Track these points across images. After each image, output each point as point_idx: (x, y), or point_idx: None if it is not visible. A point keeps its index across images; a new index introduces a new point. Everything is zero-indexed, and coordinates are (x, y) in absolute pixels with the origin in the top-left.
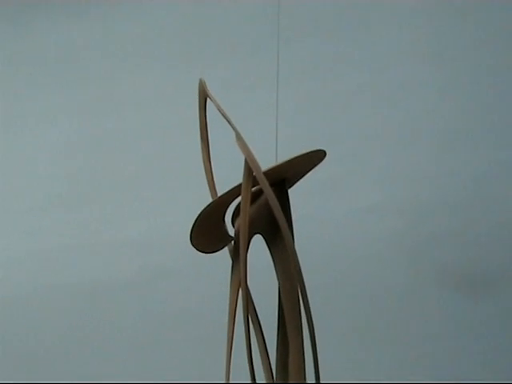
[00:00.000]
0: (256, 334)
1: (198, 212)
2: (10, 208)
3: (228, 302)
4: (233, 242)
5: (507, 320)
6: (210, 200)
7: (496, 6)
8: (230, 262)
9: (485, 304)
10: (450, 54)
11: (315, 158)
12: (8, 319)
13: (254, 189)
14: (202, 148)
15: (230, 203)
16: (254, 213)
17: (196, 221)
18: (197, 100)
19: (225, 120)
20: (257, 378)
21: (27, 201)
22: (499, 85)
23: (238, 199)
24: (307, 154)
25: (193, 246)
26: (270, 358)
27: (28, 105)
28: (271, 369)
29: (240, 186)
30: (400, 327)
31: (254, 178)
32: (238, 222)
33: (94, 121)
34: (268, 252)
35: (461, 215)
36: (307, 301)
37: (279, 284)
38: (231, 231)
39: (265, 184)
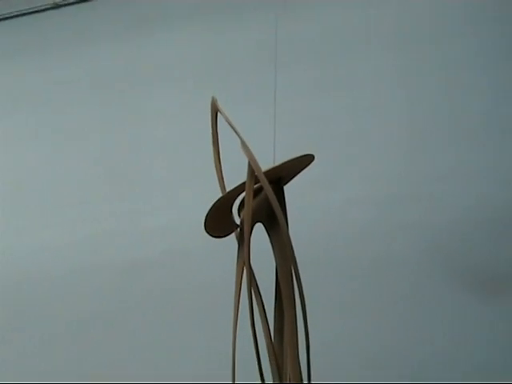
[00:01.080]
0: (257, 304)
1: (211, 205)
2: (66, 201)
3: (234, 277)
4: (238, 228)
5: None
6: (220, 195)
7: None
8: (237, 245)
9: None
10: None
11: (306, 160)
12: (66, 291)
13: (255, 186)
14: (214, 153)
15: (236, 198)
16: (255, 205)
17: (209, 212)
18: (209, 114)
19: (232, 130)
20: (258, 338)
21: (79, 196)
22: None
23: (243, 194)
24: (299, 157)
25: (206, 232)
26: (269, 323)
27: (81, 117)
28: (269, 332)
29: (244, 183)
30: (376, 295)
31: (256, 177)
32: (243, 212)
33: (131, 132)
34: (267, 237)
35: (423, 206)
36: (299, 277)
37: (276, 263)
38: (237, 220)
39: (265, 182)
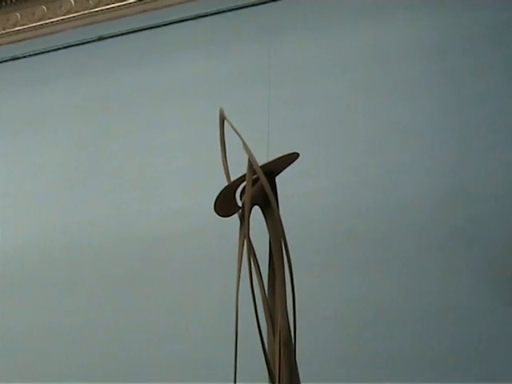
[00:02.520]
0: (255, 268)
1: (219, 191)
2: (104, 186)
3: (237, 247)
4: (240, 210)
5: None
6: (226, 184)
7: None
8: (239, 222)
9: None
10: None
11: (292, 157)
12: (106, 257)
13: (253, 177)
14: (221, 152)
15: (238, 186)
16: (253, 192)
17: (218, 197)
18: (218, 121)
19: (236, 134)
20: (255, 294)
21: (117, 181)
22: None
23: (244, 183)
24: (287, 155)
25: (216, 212)
26: (264, 282)
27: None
28: (264, 288)
29: (245, 175)
30: (353, 255)
31: (254, 170)
32: (244, 197)
33: (154, 137)
34: (262, 217)
35: (384, 192)
36: (287, 246)
37: (269, 236)
38: (239, 203)
39: (261, 174)
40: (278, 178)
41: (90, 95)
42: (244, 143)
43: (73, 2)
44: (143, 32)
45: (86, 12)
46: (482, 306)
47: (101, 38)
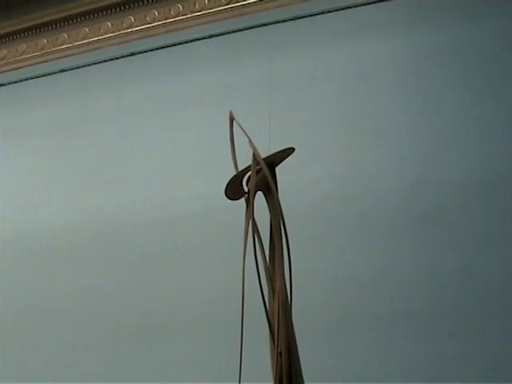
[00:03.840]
0: (258, 242)
1: (229, 179)
2: (132, 175)
3: (244, 226)
4: (246, 194)
5: None
6: (234, 173)
7: None
8: (245, 205)
9: None
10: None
11: (289, 151)
12: (123, 239)
13: (257, 167)
14: (231, 147)
15: (245, 175)
16: (257, 180)
17: (228, 183)
18: (228, 122)
19: (242, 132)
20: (259, 267)
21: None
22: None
23: (249, 173)
24: (285, 149)
25: (226, 196)
26: (266, 254)
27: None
28: (266, 259)
29: (250, 166)
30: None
31: (258, 162)
32: (249, 184)
33: (176, 135)
34: (265, 201)
35: (367, 180)
36: (285, 225)
37: (270, 217)
38: (246, 189)
39: (263, 165)
40: (277, 169)
41: (121, 101)
42: (249, 140)
43: (109, 25)
44: (166, 49)
45: (119, 33)
46: (447, 270)
47: (132, 54)
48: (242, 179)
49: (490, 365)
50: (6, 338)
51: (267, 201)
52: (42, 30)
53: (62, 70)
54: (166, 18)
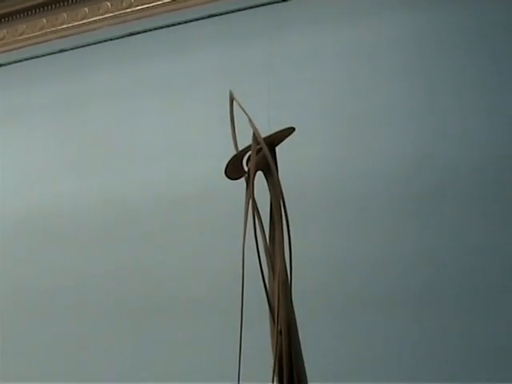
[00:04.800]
0: (258, 222)
1: (229, 159)
2: (131, 159)
3: (244, 205)
4: (246, 174)
5: None
6: (235, 153)
7: None
8: (245, 185)
9: None
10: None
11: (289, 131)
12: (128, 219)
13: (257, 147)
14: (231, 126)
15: (245, 154)
16: (257, 159)
17: (228, 163)
18: (228, 102)
19: (243, 112)
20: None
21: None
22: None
23: (249, 153)
24: (285, 129)
25: (226, 176)
26: (266, 234)
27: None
28: (266, 238)
29: (250, 145)
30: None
31: (258, 141)
32: (249, 164)
33: (175, 115)
34: (265, 180)
35: (367, 160)
36: (285, 204)
37: (270, 196)
38: (246, 168)
39: (263, 144)
40: (277, 149)
41: (120, 82)
42: (249, 119)
43: (109, 5)
44: (166, 29)
45: (119, 13)
46: (448, 253)
47: (131, 34)
48: (242, 159)
49: (492, 347)
50: (6, 320)
51: (267, 181)
52: (41, 10)
53: (62, 50)
54: None
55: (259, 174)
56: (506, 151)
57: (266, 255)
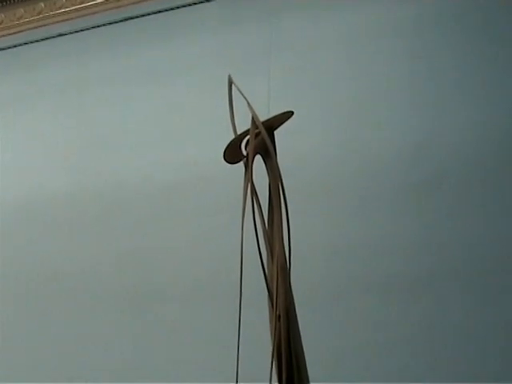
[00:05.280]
0: (257, 206)
1: (228, 142)
2: (135, 140)
3: (242, 189)
4: (245, 158)
5: None
6: (233, 137)
7: None
8: (244, 169)
9: None
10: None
11: (288, 115)
12: (124, 205)
13: (256, 131)
14: (230, 110)
15: (244, 138)
16: (256, 143)
17: (226, 147)
18: (226, 86)
19: (241, 96)
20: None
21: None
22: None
23: (248, 136)
24: (284, 113)
25: (224, 160)
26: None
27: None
28: (264, 222)
29: (249, 129)
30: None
31: (256, 125)
32: (248, 147)
33: (172, 99)
34: (263, 164)
35: (366, 145)
36: (283, 188)
37: (269, 180)
38: (244, 152)
39: (262, 128)
40: (276, 133)
41: (119, 65)
42: (248, 103)
43: None
44: (164, 13)
45: None
46: (448, 237)
47: (130, 18)
48: (240, 143)
49: (491, 328)
50: (5, 304)
51: (266, 165)
52: None
53: (60, 35)
54: None
55: (258, 158)
56: (504, 140)
57: (265, 240)
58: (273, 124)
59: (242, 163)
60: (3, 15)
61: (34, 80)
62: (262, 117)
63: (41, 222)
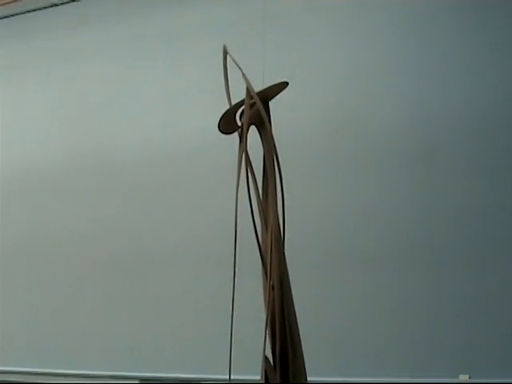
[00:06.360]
0: (251, 176)
1: (222, 113)
2: (130, 110)
3: (237, 157)
4: (240, 128)
5: None
6: (228, 107)
7: None
8: (238, 139)
9: None
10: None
11: (283, 85)
12: (122, 173)
13: (251, 101)
14: (224, 81)
15: (238, 109)
16: (251, 114)
17: (221, 117)
18: (221, 57)
19: (236, 67)
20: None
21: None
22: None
23: (243, 107)
24: (278, 83)
25: (219, 130)
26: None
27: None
28: (259, 193)
29: (243, 100)
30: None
31: (251, 96)
32: (243, 118)
33: (167, 70)
34: (258, 134)
35: (360, 114)
36: (278, 159)
37: (264, 151)
38: (239, 123)
39: (256, 98)
40: (271, 104)
41: (115, 36)
42: (243, 73)
43: None
44: None
45: None
46: (440, 206)
47: None
48: (235, 113)
49: (484, 294)
50: (4, 272)
51: (260, 135)
52: None
53: (54, 5)
54: None
55: (252, 128)
56: (495, 110)
57: (260, 210)
58: (268, 94)
59: (236, 134)
60: None
61: (29, 50)
62: (257, 87)
63: (36, 189)
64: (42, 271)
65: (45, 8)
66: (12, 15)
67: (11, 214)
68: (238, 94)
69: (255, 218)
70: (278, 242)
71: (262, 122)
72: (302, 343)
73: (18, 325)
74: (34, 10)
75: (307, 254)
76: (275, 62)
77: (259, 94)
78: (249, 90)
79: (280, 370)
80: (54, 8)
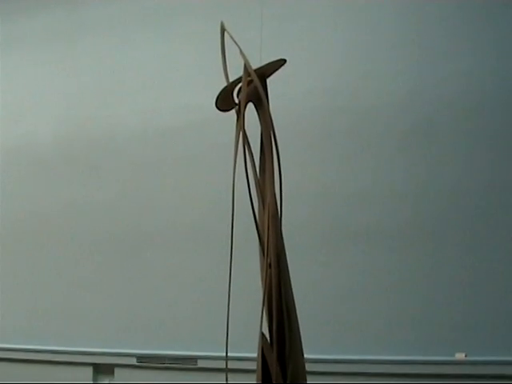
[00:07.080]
0: (248, 154)
1: (220, 90)
2: (128, 86)
3: (234, 134)
4: (237, 106)
5: None
6: (225, 85)
7: None
8: (236, 116)
9: None
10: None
11: (280, 62)
12: (119, 150)
13: (248, 78)
14: (222, 58)
15: (236, 85)
16: (248, 91)
17: (219, 95)
18: (219, 34)
19: (234, 43)
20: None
21: (134, 84)
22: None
23: (240, 84)
24: (276, 60)
25: (217, 107)
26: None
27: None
28: (256, 171)
29: (241, 77)
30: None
31: (249, 73)
32: (240, 95)
33: (165, 46)
34: (255, 111)
35: (357, 93)
36: (275, 135)
37: (261, 128)
38: (236, 100)
39: (254, 75)
40: (268, 81)
41: (114, 13)
42: (240, 50)
43: None
44: None
45: None
46: (436, 186)
47: None
48: (232, 90)
49: (482, 274)
50: (4, 252)
51: (258, 113)
52: None
53: None
54: None
55: (250, 105)
56: (491, 88)
57: (257, 187)
58: (265, 72)
59: (234, 111)
60: None
61: (30, 24)
62: (255, 65)
63: (34, 166)
64: (41, 249)
65: None
66: None
67: (9, 192)
68: (236, 71)
69: (252, 196)
70: (275, 219)
71: (259, 99)
72: (299, 321)
73: (19, 303)
74: None
75: (305, 232)
76: (273, 39)
77: (257, 71)
78: (246, 67)
79: (277, 346)
80: None
